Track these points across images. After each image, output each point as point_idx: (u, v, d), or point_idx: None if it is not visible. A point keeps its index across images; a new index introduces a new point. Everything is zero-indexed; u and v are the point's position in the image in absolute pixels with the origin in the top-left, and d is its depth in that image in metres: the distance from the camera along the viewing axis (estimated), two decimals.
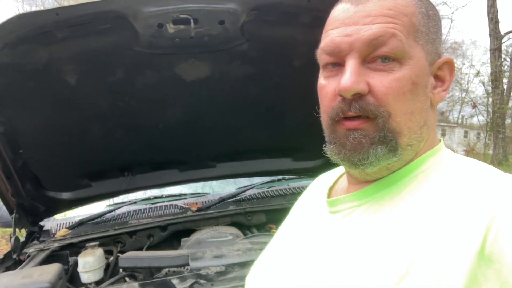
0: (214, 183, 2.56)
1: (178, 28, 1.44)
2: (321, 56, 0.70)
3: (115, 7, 1.38)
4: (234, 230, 2.02)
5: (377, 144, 0.64)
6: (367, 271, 0.60)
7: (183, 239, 1.94)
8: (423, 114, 0.67)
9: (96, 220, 2.21)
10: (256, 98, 1.92)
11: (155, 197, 2.39)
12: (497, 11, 13.11)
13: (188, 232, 2.10)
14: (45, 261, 1.83)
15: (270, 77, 1.82)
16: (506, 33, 15.03)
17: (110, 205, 2.38)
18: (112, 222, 2.20)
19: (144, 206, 2.29)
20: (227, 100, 1.90)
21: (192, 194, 2.44)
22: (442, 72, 0.70)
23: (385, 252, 0.60)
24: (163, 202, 2.34)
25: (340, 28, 0.66)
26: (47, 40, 1.42)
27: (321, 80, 0.71)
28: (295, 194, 2.39)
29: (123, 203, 2.32)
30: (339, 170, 0.88)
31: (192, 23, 1.41)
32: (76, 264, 1.83)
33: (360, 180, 0.73)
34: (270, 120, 2.05)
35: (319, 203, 0.82)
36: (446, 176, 0.65)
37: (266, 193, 2.40)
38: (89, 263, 1.77)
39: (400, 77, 0.63)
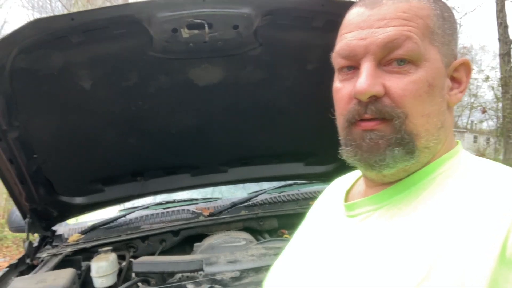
0: (224, 188, 2.55)
1: (192, 33, 1.44)
2: (336, 60, 0.70)
3: (130, 12, 1.38)
4: (246, 235, 2.00)
5: (393, 145, 0.64)
6: (386, 275, 0.59)
7: (195, 244, 1.94)
8: (440, 116, 0.67)
9: (108, 225, 2.21)
10: (269, 103, 1.91)
11: (167, 202, 2.39)
12: (506, 16, 13.01)
13: (200, 237, 2.09)
14: (59, 266, 1.83)
15: (283, 81, 1.81)
16: None
17: (122, 210, 2.38)
18: (124, 227, 2.19)
19: (156, 211, 2.29)
20: (240, 105, 1.90)
21: (203, 199, 2.44)
22: (459, 73, 0.70)
23: (404, 256, 0.59)
24: (175, 207, 2.33)
25: (355, 31, 0.66)
26: (62, 45, 1.43)
27: (337, 83, 0.71)
28: (307, 199, 2.37)
29: (135, 208, 2.32)
30: (356, 174, 0.88)
31: (207, 28, 1.42)
32: (89, 269, 1.83)
33: (377, 182, 0.72)
34: (283, 124, 2.05)
35: (337, 207, 0.82)
36: (464, 179, 0.64)
37: (277, 198, 2.38)
38: (102, 268, 1.77)
39: (416, 79, 0.63)
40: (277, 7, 1.47)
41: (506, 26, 13.07)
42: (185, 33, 1.44)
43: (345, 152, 0.70)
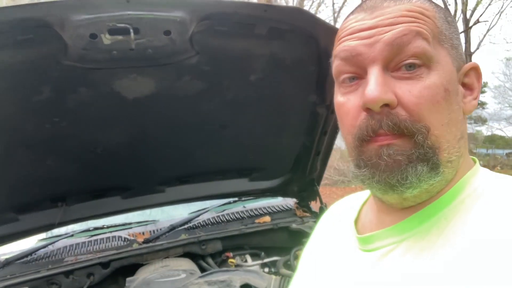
0: (164, 208, 2.32)
1: (115, 39, 1.23)
2: (336, 64, 0.61)
3: (38, 14, 1.15)
4: (187, 265, 1.80)
5: (416, 162, 0.55)
6: None
7: (128, 279, 1.70)
8: (459, 126, 0.59)
9: (26, 259, 1.90)
10: (209, 116, 1.73)
11: (95, 228, 2.11)
12: None
13: (135, 267, 1.86)
14: None
15: (224, 93, 1.64)
16: None
17: (42, 239, 2.07)
18: (45, 260, 1.90)
19: (83, 239, 2.01)
20: (177, 119, 1.71)
21: (138, 222, 2.19)
22: (469, 79, 0.63)
23: None
24: (105, 233, 2.07)
25: (355, 33, 0.59)
26: None
27: (339, 97, 0.62)
28: (252, 217, 2.21)
29: (58, 237, 2.03)
30: (358, 197, 0.78)
31: (132, 33, 1.21)
32: None
33: (396, 207, 0.62)
34: (225, 139, 1.88)
35: (347, 240, 0.70)
36: (496, 202, 0.55)
37: (221, 217, 2.20)
38: None
39: (430, 84, 0.55)
40: (215, 12, 1.30)
41: None
42: (106, 39, 1.22)
43: (359, 175, 0.59)
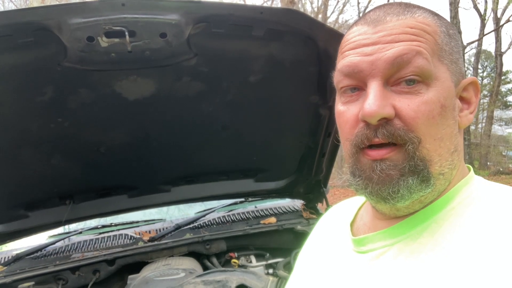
0: (170, 208, 2.35)
1: (112, 42, 1.26)
2: (338, 79, 0.64)
3: (35, 18, 1.19)
4: (189, 264, 1.82)
5: (407, 175, 0.58)
6: None
7: (130, 277, 1.73)
8: (452, 140, 0.61)
9: (35, 255, 1.96)
10: (210, 117, 1.75)
11: (103, 226, 2.16)
12: (459, 22, 13.48)
13: (140, 265, 1.89)
14: None
15: (224, 94, 1.65)
16: (469, 44, 15.48)
17: (52, 236, 2.14)
18: (53, 256, 1.96)
19: (90, 237, 2.06)
20: (178, 120, 1.73)
21: (145, 221, 2.22)
22: (468, 93, 0.65)
23: None
24: (112, 231, 2.11)
25: (358, 48, 0.60)
26: None
27: (339, 106, 0.64)
28: (257, 217, 2.21)
29: (67, 234, 2.09)
30: (355, 202, 0.80)
31: (127, 36, 1.24)
32: None
33: (389, 216, 0.65)
34: (228, 139, 1.89)
35: (342, 242, 0.73)
36: (485, 208, 0.58)
37: (226, 217, 2.21)
38: None
39: (428, 99, 0.57)
40: (210, 14, 1.31)
41: (459, 32, 13.54)
42: (103, 42, 1.25)
43: (354, 184, 0.63)
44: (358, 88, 0.61)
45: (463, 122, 0.64)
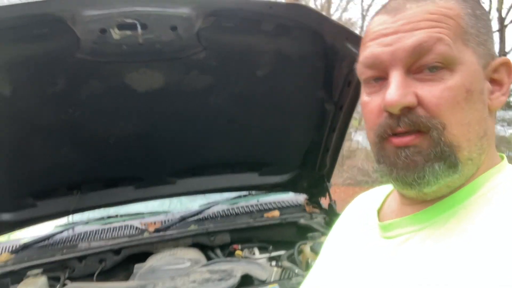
0: (175, 200, 2.38)
1: (124, 34, 1.29)
2: (361, 70, 0.64)
3: (50, 10, 1.22)
4: (194, 254, 1.85)
5: (433, 160, 0.57)
6: None
7: (136, 266, 1.76)
8: (482, 124, 0.60)
9: (42, 243, 2.00)
10: (218, 110, 1.78)
11: (109, 217, 2.19)
12: None
13: (146, 255, 1.92)
14: None
15: (231, 87, 1.68)
16: None
17: (59, 225, 2.17)
18: (60, 245, 1.99)
19: (97, 227, 2.09)
20: (186, 112, 1.76)
21: (150, 212, 2.26)
22: (499, 74, 0.63)
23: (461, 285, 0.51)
24: (118, 222, 2.14)
25: (378, 39, 0.60)
26: None
27: (364, 97, 0.64)
28: (261, 211, 2.24)
29: (74, 224, 2.12)
30: (384, 190, 0.80)
31: (139, 29, 1.26)
32: None
33: (417, 201, 0.64)
34: (234, 132, 1.91)
35: (368, 227, 0.73)
36: None
37: (230, 210, 2.24)
38: None
39: (452, 85, 0.56)
40: (220, 8, 1.34)
41: None
42: (116, 34, 1.28)
43: (379, 170, 0.63)
44: (381, 78, 0.61)
45: (494, 104, 0.62)
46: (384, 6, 0.64)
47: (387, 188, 0.79)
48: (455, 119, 0.57)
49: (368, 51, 0.61)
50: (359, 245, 0.73)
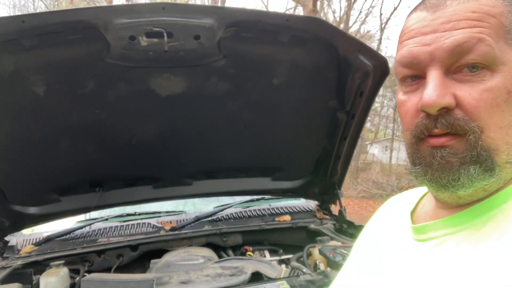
0: (190, 201, 2.48)
1: (151, 41, 1.39)
2: (398, 69, 0.62)
3: (85, 17, 1.33)
4: (207, 252, 1.93)
5: (469, 163, 0.56)
6: None
7: (152, 261, 1.86)
8: None
9: (64, 237, 2.11)
10: (235, 116, 1.87)
11: (128, 214, 2.29)
12: None
13: (161, 252, 2.01)
14: (7, 279, 1.72)
15: (248, 94, 1.77)
16: None
17: (80, 221, 2.28)
18: (81, 239, 2.09)
19: (116, 224, 2.20)
20: (205, 117, 1.85)
21: (167, 212, 2.36)
22: None
23: None
24: (136, 220, 2.24)
25: (416, 37, 0.58)
26: (12, 48, 1.36)
27: (400, 96, 0.63)
28: (273, 215, 2.32)
29: (94, 220, 2.23)
30: (417, 192, 0.79)
31: (166, 37, 1.37)
32: (38, 284, 1.73)
33: (451, 204, 0.62)
34: (249, 138, 2.00)
35: (401, 229, 0.72)
36: None
37: (243, 213, 2.32)
38: (51, 284, 1.67)
39: (492, 86, 0.54)
40: (241, 19, 1.43)
41: None
42: (144, 41, 1.38)
43: (413, 171, 0.62)
44: (419, 76, 0.59)
45: None
46: (423, 2, 0.61)
47: (421, 190, 0.77)
48: (494, 122, 0.55)
49: (405, 50, 0.59)
50: (390, 247, 0.71)
